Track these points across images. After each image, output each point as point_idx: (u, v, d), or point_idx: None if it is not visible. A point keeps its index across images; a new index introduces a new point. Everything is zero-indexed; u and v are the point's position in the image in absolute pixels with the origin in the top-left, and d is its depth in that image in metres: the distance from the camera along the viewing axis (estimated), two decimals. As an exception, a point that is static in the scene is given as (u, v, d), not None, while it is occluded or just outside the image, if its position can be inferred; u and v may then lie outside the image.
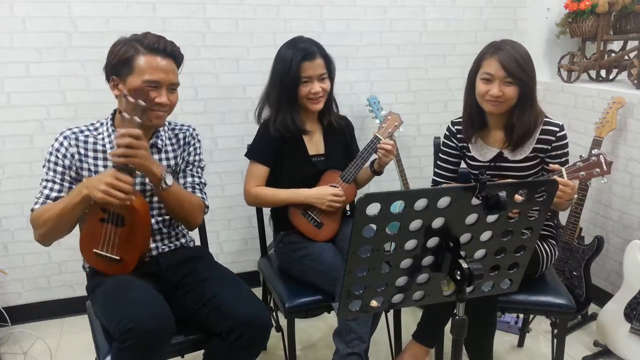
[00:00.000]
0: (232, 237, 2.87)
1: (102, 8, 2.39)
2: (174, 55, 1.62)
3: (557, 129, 1.84)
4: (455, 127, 2.00)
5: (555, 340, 1.95)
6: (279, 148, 1.99)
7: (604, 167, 1.66)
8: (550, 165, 1.75)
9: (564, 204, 1.76)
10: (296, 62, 1.89)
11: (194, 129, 1.84)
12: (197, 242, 1.99)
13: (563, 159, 1.85)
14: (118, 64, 1.58)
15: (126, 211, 1.57)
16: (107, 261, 1.64)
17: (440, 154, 2.06)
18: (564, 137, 1.85)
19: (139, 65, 1.56)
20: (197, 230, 2.04)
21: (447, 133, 2.03)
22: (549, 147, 1.85)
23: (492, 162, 1.92)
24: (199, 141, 1.83)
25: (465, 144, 1.98)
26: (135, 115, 1.50)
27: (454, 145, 2.01)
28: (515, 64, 1.73)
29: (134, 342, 1.40)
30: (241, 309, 1.58)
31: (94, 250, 1.64)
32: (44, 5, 2.33)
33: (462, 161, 2.04)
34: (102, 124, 1.70)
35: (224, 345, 1.58)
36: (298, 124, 1.98)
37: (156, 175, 1.60)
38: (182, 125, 1.83)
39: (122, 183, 1.50)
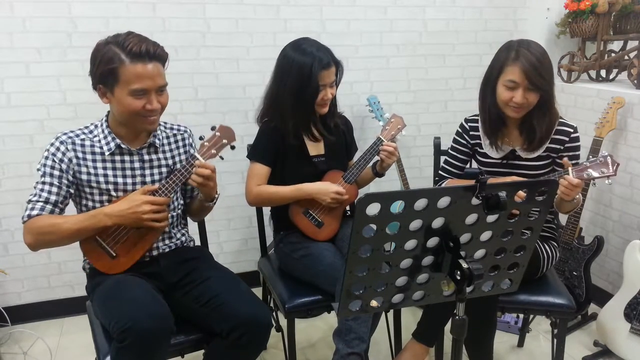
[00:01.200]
0: (232, 237, 2.87)
1: (102, 8, 2.39)
2: (158, 56, 1.56)
3: (572, 130, 1.86)
4: (469, 124, 1.99)
5: (555, 340, 1.95)
6: (279, 148, 1.99)
7: (611, 169, 1.66)
8: (563, 159, 1.76)
9: (567, 206, 1.75)
10: (316, 72, 1.87)
11: (190, 131, 1.85)
12: (197, 242, 1.99)
13: (574, 161, 1.85)
14: (103, 74, 1.54)
15: None
16: (102, 253, 1.64)
17: (449, 150, 2.06)
18: (577, 138, 1.87)
19: (124, 76, 1.51)
20: (197, 230, 2.06)
21: (460, 130, 2.02)
22: (562, 148, 1.86)
23: (504, 159, 1.93)
24: (191, 144, 1.83)
25: (477, 141, 1.98)
26: (214, 149, 1.63)
27: (465, 142, 2.01)
28: (537, 72, 1.73)
29: (132, 341, 1.41)
30: (242, 308, 1.58)
31: (97, 237, 1.63)
32: (44, 5, 2.33)
33: (472, 159, 2.04)
34: (96, 126, 1.69)
35: (225, 345, 1.58)
36: (317, 131, 2.00)
37: (213, 196, 1.75)
38: (180, 126, 1.83)
39: (159, 206, 1.58)
